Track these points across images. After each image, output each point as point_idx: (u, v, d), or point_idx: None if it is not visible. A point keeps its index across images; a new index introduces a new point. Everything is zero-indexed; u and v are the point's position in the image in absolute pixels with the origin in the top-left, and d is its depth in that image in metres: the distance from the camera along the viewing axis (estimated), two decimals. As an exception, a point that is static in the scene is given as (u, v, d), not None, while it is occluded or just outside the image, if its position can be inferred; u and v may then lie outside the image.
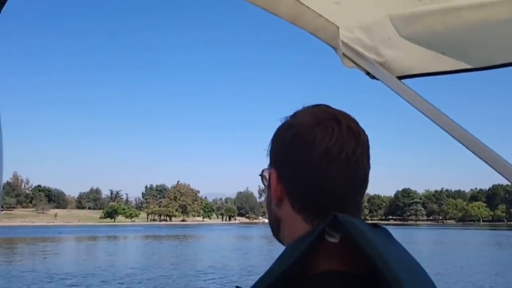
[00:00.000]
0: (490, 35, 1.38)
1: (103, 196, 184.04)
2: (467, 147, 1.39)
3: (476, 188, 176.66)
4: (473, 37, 1.41)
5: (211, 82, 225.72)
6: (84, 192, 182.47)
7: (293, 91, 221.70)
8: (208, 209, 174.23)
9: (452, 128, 1.42)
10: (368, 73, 1.63)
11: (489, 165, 1.35)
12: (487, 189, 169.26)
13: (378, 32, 1.56)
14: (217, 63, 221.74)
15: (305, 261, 0.71)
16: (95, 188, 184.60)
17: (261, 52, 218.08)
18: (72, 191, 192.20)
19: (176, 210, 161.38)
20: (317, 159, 0.77)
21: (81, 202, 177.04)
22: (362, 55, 1.62)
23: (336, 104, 0.86)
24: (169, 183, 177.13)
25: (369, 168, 0.82)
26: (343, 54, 1.63)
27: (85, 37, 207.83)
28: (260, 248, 44.92)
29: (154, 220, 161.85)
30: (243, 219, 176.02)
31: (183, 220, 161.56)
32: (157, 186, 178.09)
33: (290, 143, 0.81)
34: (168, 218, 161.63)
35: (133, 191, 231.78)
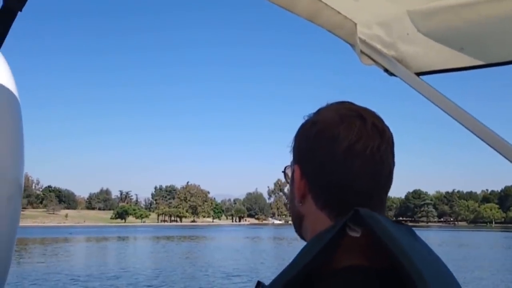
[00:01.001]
0: (509, 29, 1.35)
1: (113, 196, 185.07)
2: (489, 144, 1.37)
3: (487, 190, 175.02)
4: (491, 32, 1.38)
5: (221, 82, 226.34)
6: (94, 193, 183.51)
7: (302, 91, 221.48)
8: (218, 210, 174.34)
9: (473, 125, 1.40)
10: (386, 70, 1.62)
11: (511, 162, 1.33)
12: (499, 191, 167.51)
13: (396, 28, 1.54)
14: (227, 63, 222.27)
15: (326, 255, 0.71)
16: (105, 189, 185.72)
17: (269, 51, 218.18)
18: (82, 192, 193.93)
19: (187, 211, 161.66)
20: (341, 155, 0.78)
21: (91, 203, 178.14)
22: (380, 52, 1.61)
23: (355, 101, 0.87)
24: (179, 184, 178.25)
25: (393, 165, 0.82)
26: (361, 51, 1.63)
27: (94, 37, 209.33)
28: (275, 248, 44.75)
29: (164, 221, 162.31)
30: (253, 220, 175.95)
31: (193, 221, 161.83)
32: (166, 186, 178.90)
33: (314, 139, 0.81)
34: (178, 219, 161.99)
35: (143, 192, 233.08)
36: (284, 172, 0.93)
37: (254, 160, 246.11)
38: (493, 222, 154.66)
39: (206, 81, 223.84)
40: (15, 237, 1.67)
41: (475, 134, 1.39)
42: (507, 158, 1.34)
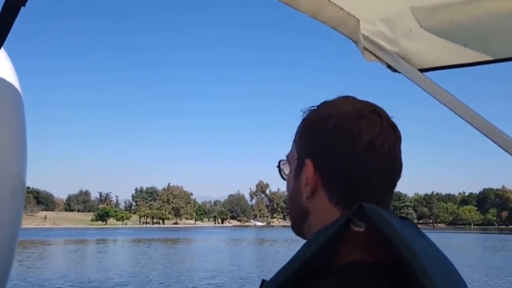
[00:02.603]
0: None
1: (92, 198, 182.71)
2: (493, 140, 1.36)
3: (464, 192, 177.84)
4: (495, 28, 1.38)
5: (200, 84, 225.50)
6: (73, 194, 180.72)
7: (286, 92, 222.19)
8: (200, 212, 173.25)
9: (477, 121, 1.40)
10: (389, 66, 1.61)
11: None
12: (477, 193, 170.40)
13: (399, 25, 1.54)
14: (209, 64, 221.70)
15: (329, 250, 0.71)
16: (84, 190, 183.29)
17: (254, 53, 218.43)
18: (60, 193, 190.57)
19: (169, 213, 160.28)
20: (361, 151, 0.77)
21: (70, 205, 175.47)
22: (383, 48, 1.60)
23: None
24: (159, 186, 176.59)
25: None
26: (364, 47, 1.62)
27: (75, 37, 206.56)
28: (263, 251, 44.71)
29: (146, 223, 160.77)
30: (235, 222, 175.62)
31: (175, 223, 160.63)
32: (147, 188, 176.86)
33: (332, 133, 0.79)
34: (160, 221, 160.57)
35: (123, 194, 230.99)
36: (279, 167, 0.92)
37: (236, 162, 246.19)
38: (472, 224, 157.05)
39: (187, 83, 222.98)
40: (18, 232, 1.65)
41: (479, 130, 1.38)
42: (509, 153, 1.33)
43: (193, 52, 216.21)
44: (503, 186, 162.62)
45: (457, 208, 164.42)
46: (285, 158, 0.91)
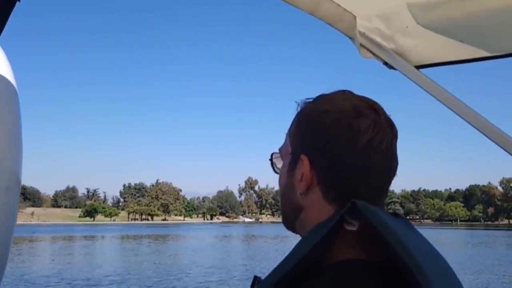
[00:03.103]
0: (509, 21, 1.34)
1: (80, 194, 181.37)
2: (488, 137, 1.36)
3: (450, 189, 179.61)
4: (492, 24, 1.37)
5: (188, 81, 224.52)
6: (60, 190, 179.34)
7: (274, 89, 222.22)
8: (189, 208, 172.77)
9: (473, 118, 1.40)
10: (385, 63, 1.61)
11: (510, 154, 1.33)
12: (464, 190, 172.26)
13: (396, 21, 1.53)
14: (194, 62, 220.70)
15: (322, 249, 0.70)
16: (71, 186, 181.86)
17: (242, 49, 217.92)
18: (47, 189, 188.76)
19: (158, 209, 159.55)
20: (360, 149, 0.76)
21: (57, 201, 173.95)
22: (380, 45, 1.60)
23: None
24: (148, 182, 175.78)
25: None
26: (361, 44, 1.61)
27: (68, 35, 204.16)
28: (253, 247, 44.79)
29: (135, 219, 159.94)
30: (224, 219, 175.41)
31: (164, 220, 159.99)
32: (135, 184, 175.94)
33: (330, 130, 0.78)
34: (149, 217, 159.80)
35: (110, 190, 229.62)
36: (271, 160, 0.90)
37: (225, 158, 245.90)
38: (458, 220, 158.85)
39: (176, 80, 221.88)
40: (13, 229, 1.62)
41: (474, 127, 1.38)
42: (507, 151, 1.33)
43: (181, 49, 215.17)
44: (489, 183, 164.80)
45: (444, 205, 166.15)
46: (277, 151, 0.89)
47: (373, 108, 0.79)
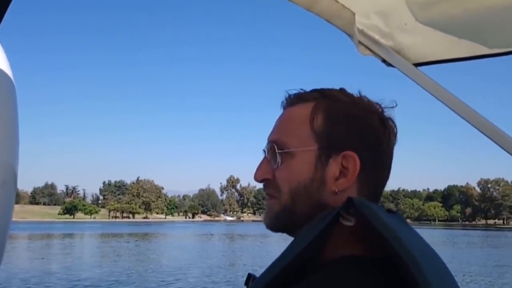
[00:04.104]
0: (508, 19, 1.34)
1: (58, 191, 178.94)
2: (487, 136, 1.36)
3: (428, 189, 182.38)
4: (491, 21, 1.37)
5: (166, 81, 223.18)
6: (38, 187, 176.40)
7: (255, 88, 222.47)
8: (171, 206, 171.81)
9: (471, 116, 1.40)
10: (384, 61, 1.60)
11: (508, 152, 1.33)
12: (442, 190, 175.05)
13: (395, 18, 1.52)
14: (179, 61, 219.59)
15: (320, 245, 0.70)
16: (49, 183, 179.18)
17: (224, 49, 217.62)
18: (25, 186, 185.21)
19: (139, 207, 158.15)
20: (391, 150, 0.79)
21: (35, 198, 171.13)
22: (378, 42, 1.59)
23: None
24: (128, 179, 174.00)
25: None
26: (359, 41, 1.60)
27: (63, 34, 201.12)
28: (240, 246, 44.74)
29: (115, 217, 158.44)
30: (205, 217, 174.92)
31: (145, 218, 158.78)
32: (115, 182, 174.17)
33: (377, 129, 0.79)
34: (131, 215, 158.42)
35: (90, 187, 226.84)
36: (277, 153, 0.81)
37: (206, 156, 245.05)
38: (437, 220, 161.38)
39: (153, 80, 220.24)
40: (9, 225, 1.61)
41: (473, 125, 1.38)
42: (506, 150, 1.33)
43: (165, 49, 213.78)
44: (467, 183, 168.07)
45: (423, 204, 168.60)
46: (275, 144, 0.82)
47: (381, 111, 0.82)
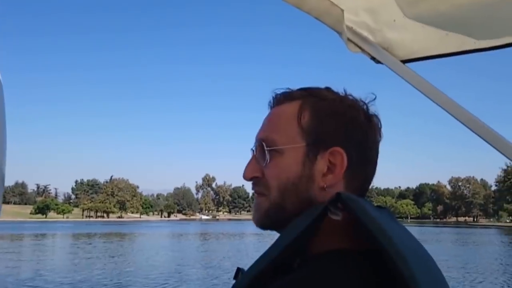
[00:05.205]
0: (496, 13, 1.35)
1: (30, 190, 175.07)
2: (473, 131, 1.37)
3: (400, 187, 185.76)
4: (478, 17, 1.38)
5: (139, 82, 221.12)
6: (9, 186, 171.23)
7: (231, 87, 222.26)
8: (146, 205, 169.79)
9: (458, 112, 1.40)
10: (372, 58, 1.60)
11: (494, 147, 1.34)
12: (414, 188, 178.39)
13: (383, 14, 1.53)
14: (159, 62, 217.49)
15: (307, 238, 0.71)
16: (20, 181, 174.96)
17: (192, 51, 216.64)
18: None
19: (114, 206, 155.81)
20: (377, 146, 0.82)
21: (5, 197, 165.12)
22: (367, 39, 1.59)
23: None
24: (101, 178, 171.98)
25: None
26: (348, 38, 1.60)
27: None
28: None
29: (89, 216, 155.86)
30: (181, 216, 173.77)
31: (120, 217, 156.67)
32: (88, 180, 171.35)
33: (364, 126, 0.80)
34: (105, 215, 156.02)
35: (62, 186, 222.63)
36: (265, 150, 0.82)
37: (181, 155, 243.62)
38: (409, 218, 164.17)
39: (125, 81, 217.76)
40: None
41: (461, 122, 1.39)
42: (493, 146, 1.34)
43: (140, 50, 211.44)
44: (438, 182, 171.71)
45: (395, 202, 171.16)
46: (263, 142, 0.83)
47: (374, 110, 0.85)
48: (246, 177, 0.84)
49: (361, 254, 0.69)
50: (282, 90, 0.86)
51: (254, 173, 0.83)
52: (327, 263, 0.69)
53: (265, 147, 0.81)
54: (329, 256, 0.70)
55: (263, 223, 0.83)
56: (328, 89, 0.85)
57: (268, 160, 0.81)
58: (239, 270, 0.80)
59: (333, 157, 0.78)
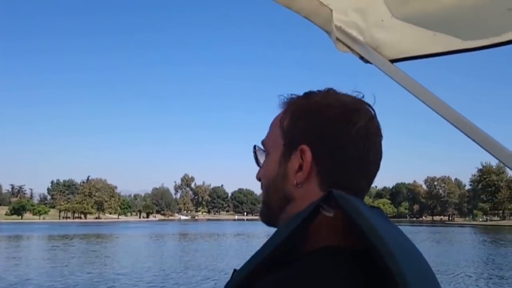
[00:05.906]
0: (481, 15, 1.36)
1: (4, 191, 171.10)
2: (460, 130, 1.38)
3: (376, 186, 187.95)
4: (466, 17, 1.39)
5: (117, 84, 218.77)
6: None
7: (210, 88, 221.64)
8: (125, 206, 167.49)
9: (445, 111, 1.41)
10: (361, 58, 1.61)
11: (482, 147, 1.35)
12: (391, 187, 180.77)
13: (372, 14, 1.54)
14: (147, 63, 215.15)
15: (299, 236, 0.72)
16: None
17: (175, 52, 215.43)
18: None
19: (92, 207, 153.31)
20: (361, 143, 0.80)
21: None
22: (355, 39, 1.60)
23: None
24: (77, 179, 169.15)
25: None
26: (337, 38, 1.61)
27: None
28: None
29: (66, 217, 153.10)
30: (160, 216, 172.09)
31: (97, 218, 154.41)
32: (64, 181, 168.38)
33: (335, 122, 0.80)
34: (82, 216, 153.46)
35: (37, 187, 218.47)
36: (255, 152, 0.92)
37: (160, 155, 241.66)
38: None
39: (106, 84, 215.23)
40: None
41: (449, 122, 1.40)
42: (481, 146, 1.34)
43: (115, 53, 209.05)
44: (414, 181, 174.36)
45: (372, 201, 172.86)
46: (259, 145, 0.91)
47: (367, 104, 0.84)
48: (256, 178, 0.92)
49: (352, 252, 0.71)
50: (286, 95, 0.89)
51: (257, 175, 0.91)
52: (317, 259, 0.70)
53: (257, 150, 0.91)
54: (320, 253, 0.71)
55: (263, 220, 0.89)
56: (328, 90, 0.86)
57: (262, 162, 0.90)
58: (235, 271, 0.81)
59: (303, 155, 0.80)
